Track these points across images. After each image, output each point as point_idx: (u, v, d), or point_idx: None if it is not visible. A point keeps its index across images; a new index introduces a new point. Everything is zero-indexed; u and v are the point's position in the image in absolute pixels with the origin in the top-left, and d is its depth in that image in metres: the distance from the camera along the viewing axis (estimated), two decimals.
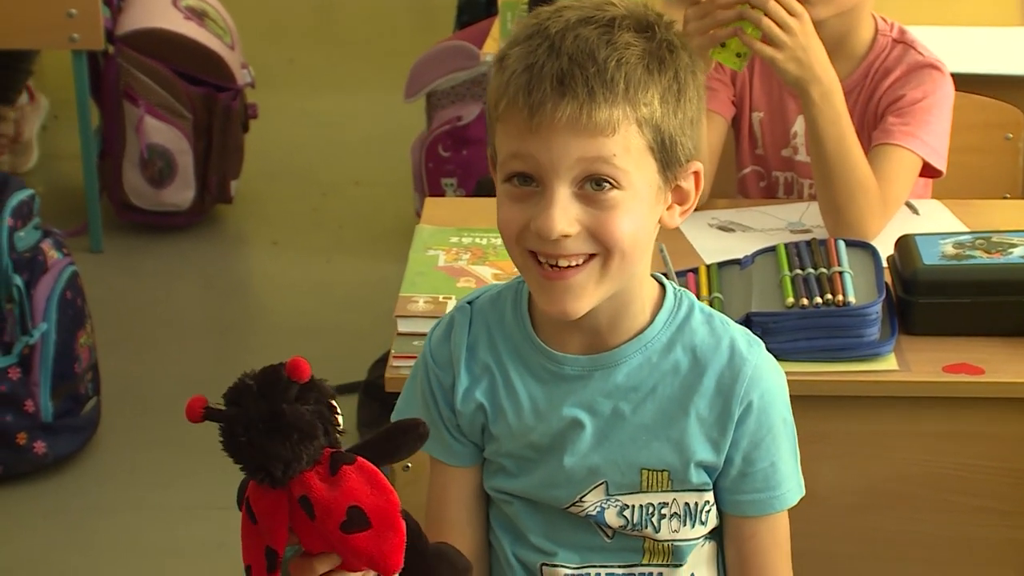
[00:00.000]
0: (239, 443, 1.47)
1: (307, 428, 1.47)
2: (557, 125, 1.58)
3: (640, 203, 1.63)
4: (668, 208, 1.68)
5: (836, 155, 2.41)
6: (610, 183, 1.61)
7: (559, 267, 1.63)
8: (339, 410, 1.53)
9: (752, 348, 1.72)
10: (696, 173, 1.69)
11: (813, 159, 2.46)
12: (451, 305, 2.22)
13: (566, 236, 1.61)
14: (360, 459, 1.50)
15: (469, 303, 1.78)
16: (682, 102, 1.64)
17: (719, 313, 1.75)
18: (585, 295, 1.64)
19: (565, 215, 1.60)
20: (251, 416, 1.47)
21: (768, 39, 2.36)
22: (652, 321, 1.72)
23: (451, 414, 1.77)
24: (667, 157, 1.64)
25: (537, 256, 1.64)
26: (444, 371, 1.77)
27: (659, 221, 1.68)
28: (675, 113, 1.63)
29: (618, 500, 1.73)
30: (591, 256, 1.63)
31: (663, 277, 1.76)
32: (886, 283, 2.23)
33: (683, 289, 1.76)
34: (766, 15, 2.35)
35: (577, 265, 1.63)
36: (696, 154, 1.68)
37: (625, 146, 1.60)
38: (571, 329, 1.71)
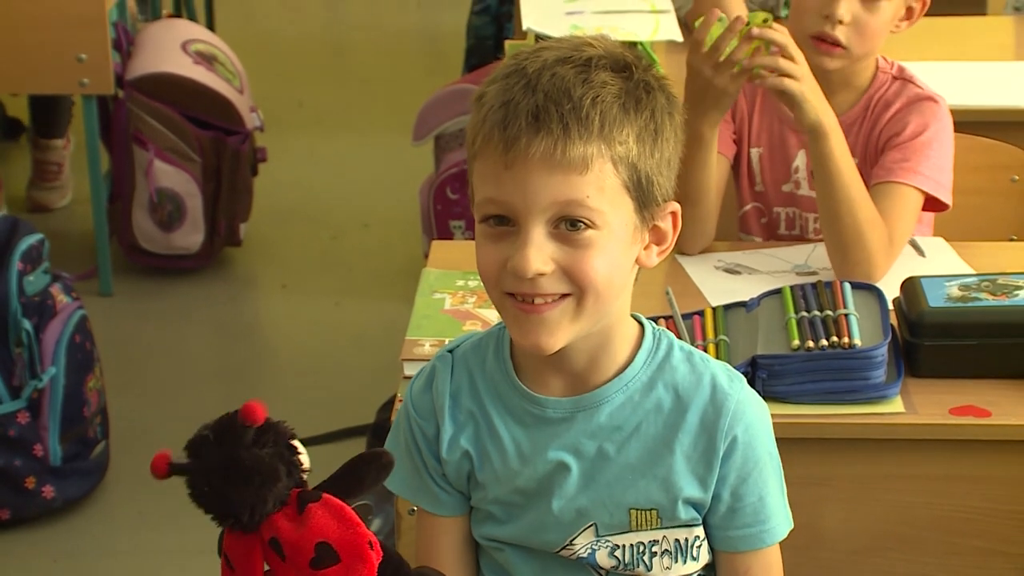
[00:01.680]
0: (204, 493, 1.49)
1: (267, 471, 1.49)
2: (531, 161, 1.59)
3: (616, 242, 1.64)
4: (645, 248, 1.69)
5: (846, 191, 2.41)
6: (585, 223, 1.62)
7: (534, 304, 1.64)
8: (301, 449, 1.53)
9: (733, 383, 1.72)
10: (674, 214, 1.70)
11: (820, 197, 2.46)
12: None
13: (541, 275, 1.62)
14: (326, 495, 1.51)
15: (450, 351, 1.79)
16: (659, 142, 1.65)
17: (698, 351, 1.76)
18: (560, 330, 1.65)
19: (540, 254, 1.61)
20: (210, 466, 1.48)
21: (784, 74, 2.38)
22: (632, 360, 1.72)
23: (436, 463, 1.77)
24: (644, 197, 1.65)
25: (514, 296, 1.65)
26: (427, 421, 1.77)
27: (636, 261, 1.69)
28: (652, 153, 1.64)
29: (608, 541, 1.73)
30: (565, 295, 1.64)
31: (641, 316, 1.76)
32: (892, 325, 2.23)
33: (661, 327, 1.76)
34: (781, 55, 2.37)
35: (552, 302, 1.64)
36: (673, 194, 1.69)
37: (599, 186, 1.61)
38: (552, 371, 1.72)
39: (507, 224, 1.63)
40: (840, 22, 2.48)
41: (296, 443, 1.53)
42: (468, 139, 1.67)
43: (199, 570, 3.19)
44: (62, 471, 3.35)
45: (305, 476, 1.53)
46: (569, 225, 1.62)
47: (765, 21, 2.38)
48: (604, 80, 1.62)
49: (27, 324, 3.29)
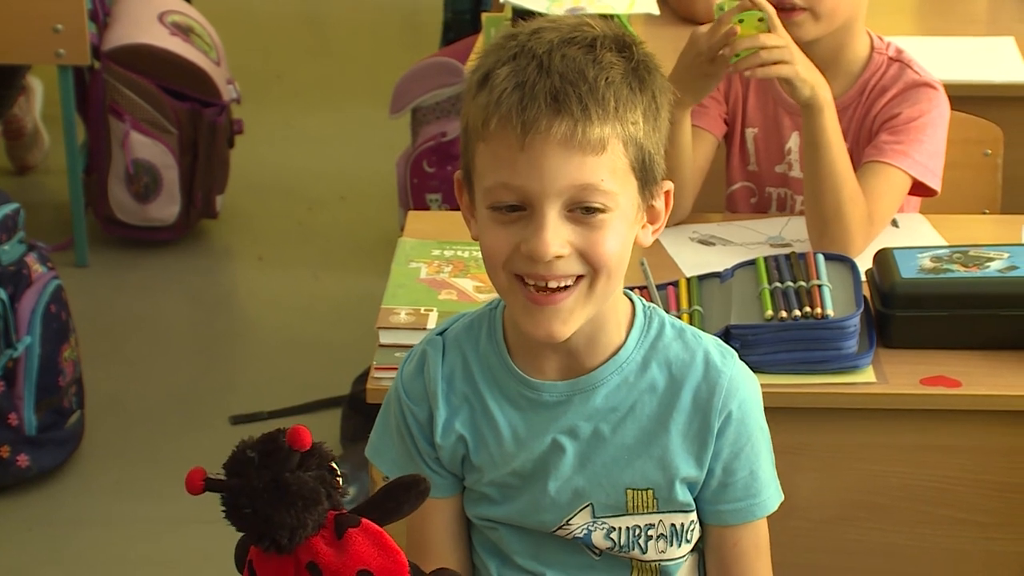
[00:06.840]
0: (243, 514, 1.48)
1: (311, 495, 1.48)
2: (550, 142, 1.59)
3: (624, 222, 1.65)
4: (643, 227, 1.70)
5: (832, 167, 2.42)
6: (599, 208, 1.62)
7: (548, 290, 1.63)
8: (339, 471, 1.54)
9: (726, 359, 1.73)
10: (667, 192, 1.71)
11: (807, 170, 2.47)
12: (432, 317, 2.23)
13: (559, 257, 1.62)
14: (365, 521, 1.51)
15: (439, 334, 1.78)
16: (659, 120, 1.66)
17: (689, 326, 1.76)
18: (572, 318, 1.65)
19: (557, 236, 1.61)
20: (254, 487, 1.48)
21: (775, 59, 2.39)
22: (626, 340, 1.72)
23: (429, 448, 1.77)
24: (646, 176, 1.66)
25: (523, 279, 1.64)
26: (419, 406, 1.77)
27: (635, 240, 1.70)
28: (654, 131, 1.66)
29: (604, 522, 1.74)
30: (579, 277, 1.64)
31: (631, 293, 1.77)
32: (864, 296, 2.24)
33: (651, 304, 1.77)
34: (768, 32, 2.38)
35: (567, 287, 1.63)
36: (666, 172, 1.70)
37: (612, 167, 1.61)
38: (548, 353, 1.72)
39: (520, 209, 1.63)
40: None
41: (335, 465, 1.53)
42: (474, 120, 1.64)
43: (173, 539, 3.20)
44: (37, 440, 3.35)
45: (343, 498, 1.53)
46: (584, 211, 1.62)
47: (761, 20, 2.40)
48: (611, 61, 1.62)
49: (2, 293, 3.29)
